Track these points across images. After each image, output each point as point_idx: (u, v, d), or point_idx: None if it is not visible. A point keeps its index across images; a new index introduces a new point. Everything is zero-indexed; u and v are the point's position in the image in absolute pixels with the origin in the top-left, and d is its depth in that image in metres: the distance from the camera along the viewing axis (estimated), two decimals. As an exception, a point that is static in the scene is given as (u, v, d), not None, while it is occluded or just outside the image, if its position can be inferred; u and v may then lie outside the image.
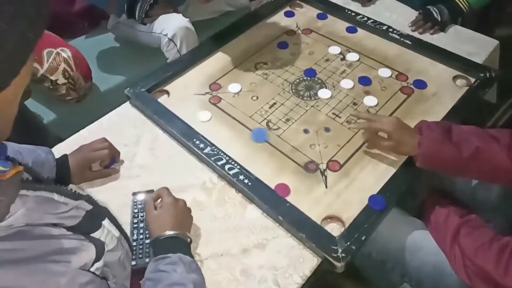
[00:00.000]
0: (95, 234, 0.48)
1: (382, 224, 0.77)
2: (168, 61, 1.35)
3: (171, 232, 0.68)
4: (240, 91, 1.06)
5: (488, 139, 0.76)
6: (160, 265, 0.63)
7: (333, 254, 0.72)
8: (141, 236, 0.75)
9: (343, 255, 0.72)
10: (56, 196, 0.43)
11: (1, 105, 0.37)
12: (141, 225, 0.77)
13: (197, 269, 0.65)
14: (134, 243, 0.74)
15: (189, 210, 0.76)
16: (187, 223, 0.74)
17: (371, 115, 0.92)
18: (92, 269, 0.45)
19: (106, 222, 0.51)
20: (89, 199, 0.48)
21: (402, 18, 1.25)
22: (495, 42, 1.17)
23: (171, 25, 1.31)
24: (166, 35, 1.32)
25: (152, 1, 1.36)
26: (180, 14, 1.36)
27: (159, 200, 0.75)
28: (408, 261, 0.82)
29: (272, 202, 0.80)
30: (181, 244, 0.68)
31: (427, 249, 0.80)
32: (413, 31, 1.21)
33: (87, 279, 0.44)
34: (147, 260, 0.72)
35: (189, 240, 0.71)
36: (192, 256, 0.68)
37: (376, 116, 0.89)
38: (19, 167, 0.40)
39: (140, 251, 0.74)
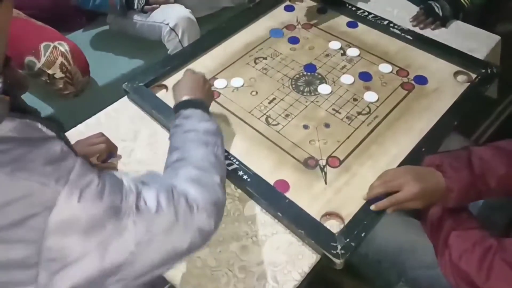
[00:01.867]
0: None
1: (378, 224, 0.76)
2: (168, 52, 1.33)
3: (186, 97, 0.76)
4: (240, 86, 1.05)
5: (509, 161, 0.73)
6: (175, 122, 0.73)
7: (332, 251, 0.71)
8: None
9: (342, 252, 0.71)
10: (39, 125, 0.45)
11: None
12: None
13: (209, 119, 0.73)
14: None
15: (207, 83, 0.84)
16: (204, 92, 0.81)
17: (382, 185, 0.77)
18: None
19: None
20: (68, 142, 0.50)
21: (403, 13, 1.24)
22: (497, 37, 1.16)
23: (172, 15, 1.30)
24: (167, 24, 1.30)
25: None
26: (182, 5, 1.34)
27: None
28: (405, 262, 0.82)
29: (271, 198, 0.80)
30: (195, 103, 0.75)
31: (423, 249, 0.80)
32: (414, 26, 1.20)
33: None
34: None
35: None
36: (207, 112, 0.75)
37: (387, 181, 0.76)
38: (5, 97, 0.41)
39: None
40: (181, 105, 0.75)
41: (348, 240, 0.72)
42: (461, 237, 0.73)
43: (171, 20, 1.29)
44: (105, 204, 0.44)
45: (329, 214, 0.79)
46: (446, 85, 1.02)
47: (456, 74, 1.05)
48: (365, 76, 1.06)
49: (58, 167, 0.41)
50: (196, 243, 0.53)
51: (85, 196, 0.42)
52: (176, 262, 0.53)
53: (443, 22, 1.19)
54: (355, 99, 1.00)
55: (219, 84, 1.06)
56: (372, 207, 0.76)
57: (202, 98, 0.78)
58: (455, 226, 0.75)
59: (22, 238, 0.38)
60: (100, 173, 0.46)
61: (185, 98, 0.76)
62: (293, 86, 1.05)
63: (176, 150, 0.66)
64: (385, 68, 1.07)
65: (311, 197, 0.82)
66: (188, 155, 0.64)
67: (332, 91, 1.02)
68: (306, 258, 0.74)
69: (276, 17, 1.26)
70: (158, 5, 1.33)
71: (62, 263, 0.41)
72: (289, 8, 1.30)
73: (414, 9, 1.25)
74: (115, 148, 0.89)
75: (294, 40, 1.18)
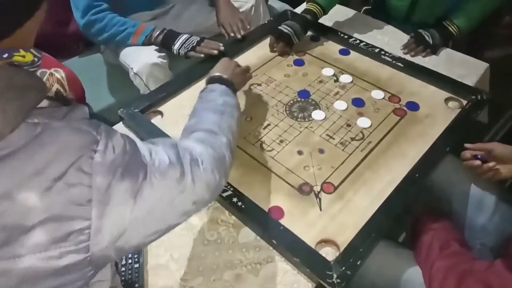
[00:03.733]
0: None
1: (370, 258, 0.76)
2: (140, 93, 1.31)
3: (216, 74, 0.86)
4: (234, 112, 1.06)
5: None
6: (200, 94, 0.81)
7: (328, 280, 0.70)
8: (130, 261, 0.73)
9: (338, 280, 0.70)
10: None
11: (24, 36, 0.45)
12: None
13: (231, 95, 0.81)
14: (123, 269, 0.72)
15: (238, 68, 0.94)
16: (234, 74, 0.90)
17: (481, 146, 0.86)
18: None
19: None
20: None
21: (394, 41, 1.27)
22: (485, 65, 1.19)
23: (138, 60, 1.27)
24: (132, 68, 1.28)
25: (199, 39, 1.23)
26: (152, 49, 1.29)
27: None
28: None
29: (266, 225, 0.79)
30: (222, 79, 0.85)
31: (415, 281, 0.79)
32: (405, 53, 1.22)
33: None
34: (136, 285, 0.71)
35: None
36: (232, 90, 0.83)
37: (487, 146, 0.85)
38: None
39: (129, 276, 0.72)
40: (210, 80, 0.86)
41: (344, 268, 0.71)
42: (441, 269, 0.74)
43: (135, 65, 1.27)
44: (128, 157, 0.46)
45: (325, 241, 0.78)
46: (438, 111, 1.04)
47: (447, 100, 1.07)
48: (358, 102, 1.07)
49: (93, 122, 0.46)
50: (204, 196, 0.56)
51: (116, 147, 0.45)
52: (185, 217, 0.55)
53: (434, 50, 1.22)
54: (348, 125, 1.01)
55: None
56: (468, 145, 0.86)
57: (230, 78, 0.87)
58: (439, 255, 0.76)
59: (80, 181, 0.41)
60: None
61: (213, 74, 0.87)
62: (287, 112, 1.06)
63: (193, 117, 0.74)
64: (377, 94, 1.09)
65: (306, 223, 0.81)
66: (201, 120, 0.71)
67: (325, 117, 1.03)
68: (302, 287, 0.72)
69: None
70: (202, 55, 1.22)
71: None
72: (283, 36, 1.32)
73: (405, 38, 1.28)
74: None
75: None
